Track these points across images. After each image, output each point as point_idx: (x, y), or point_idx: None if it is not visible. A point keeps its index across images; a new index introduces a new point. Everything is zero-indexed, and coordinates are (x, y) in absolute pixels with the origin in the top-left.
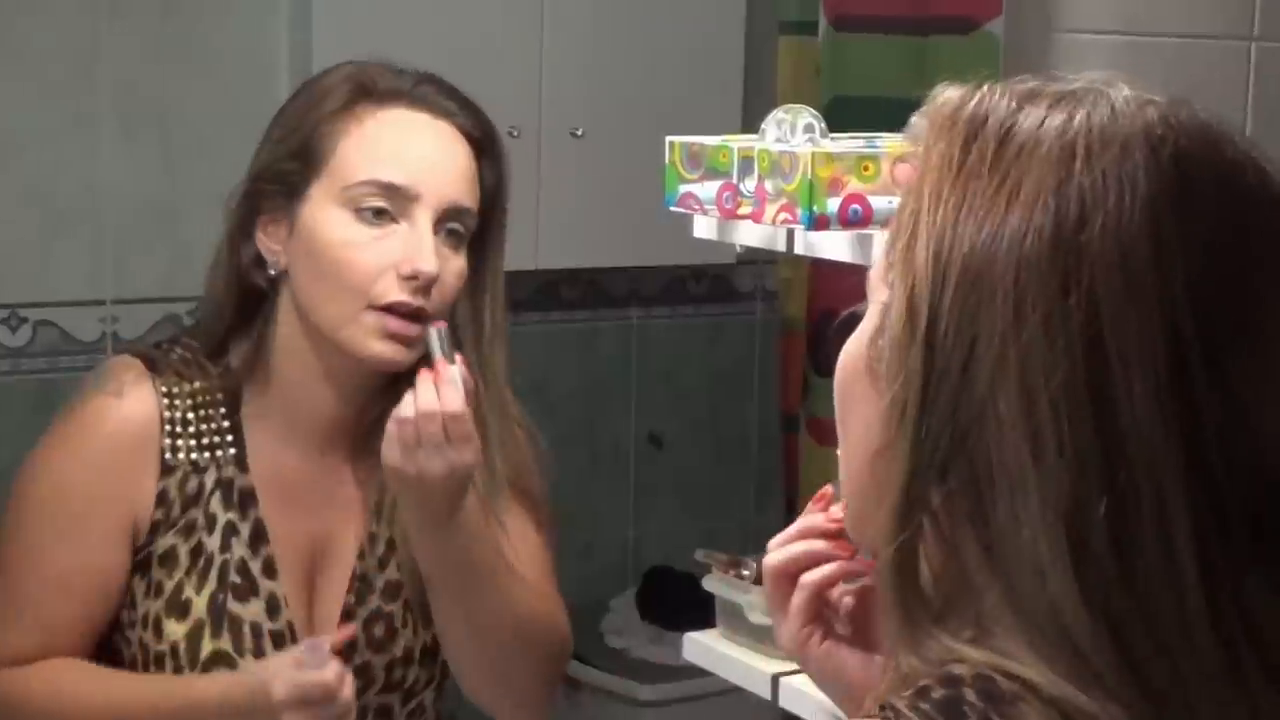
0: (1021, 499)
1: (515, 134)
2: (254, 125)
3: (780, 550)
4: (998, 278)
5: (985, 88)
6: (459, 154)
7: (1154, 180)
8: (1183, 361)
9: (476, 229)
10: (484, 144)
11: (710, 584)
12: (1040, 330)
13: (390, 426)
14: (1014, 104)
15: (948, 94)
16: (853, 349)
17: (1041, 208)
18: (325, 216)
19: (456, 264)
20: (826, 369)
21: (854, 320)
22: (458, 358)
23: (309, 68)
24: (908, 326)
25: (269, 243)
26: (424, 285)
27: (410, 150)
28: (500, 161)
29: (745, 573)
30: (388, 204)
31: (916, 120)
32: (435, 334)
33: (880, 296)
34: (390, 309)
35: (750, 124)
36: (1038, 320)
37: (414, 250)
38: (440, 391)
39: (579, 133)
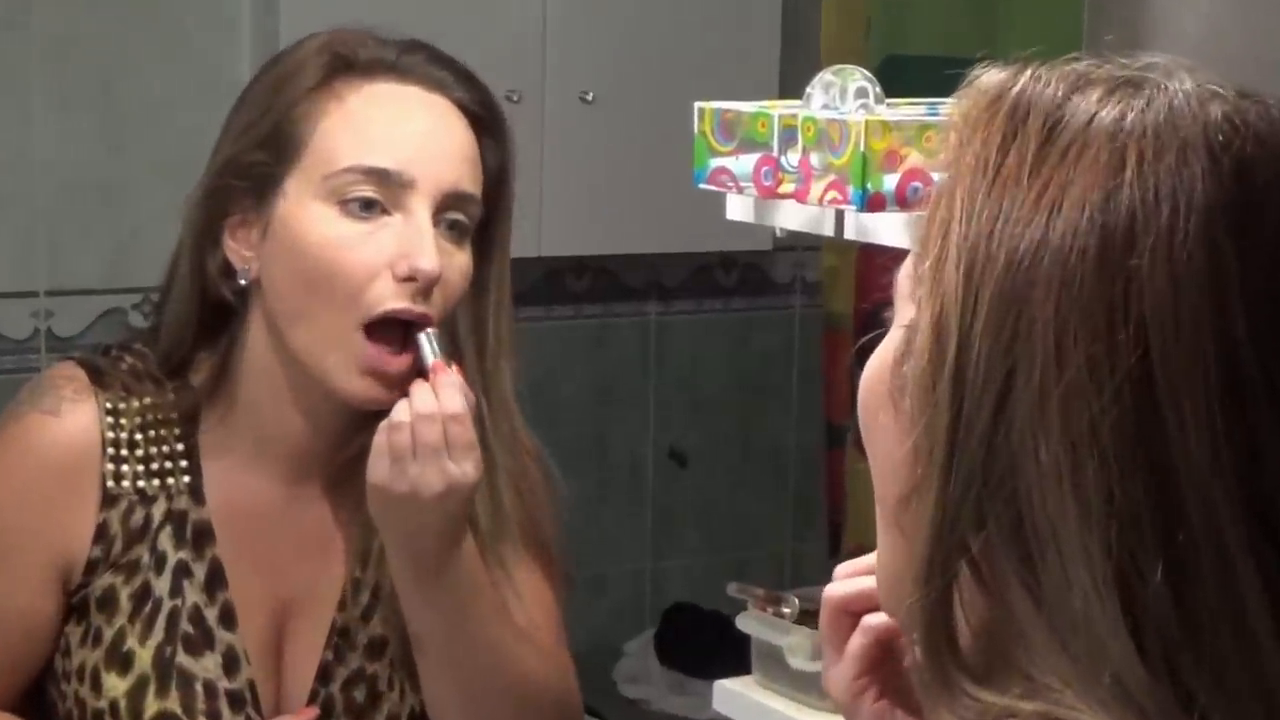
0: (1070, 557)
1: (515, 99)
2: (210, 91)
3: (847, 582)
4: (1037, 305)
5: (1030, 71)
6: (457, 132)
7: (1212, 193)
8: (1242, 406)
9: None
10: (485, 121)
11: (745, 623)
12: (1085, 369)
13: (379, 437)
14: (1060, 93)
15: (986, 78)
16: (874, 371)
17: (1087, 224)
18: (305, 213)
19: (460, 260)
20: None
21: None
22: (454, 366)
23: (275, 23)
24: (934, 355)
25: (239, 248)
26: (425, 287)
27: (401, 129)
28: (505, 141)
29: (785, 610)
30: (378, 194)
31: (951, 109)
32: (425, 339)
33: (906, 314)
34: (386, 320)
35: (789, 87)
36: (1082, 358)
37: (411, 245)
38: (439, 393)
39: (589, 97)
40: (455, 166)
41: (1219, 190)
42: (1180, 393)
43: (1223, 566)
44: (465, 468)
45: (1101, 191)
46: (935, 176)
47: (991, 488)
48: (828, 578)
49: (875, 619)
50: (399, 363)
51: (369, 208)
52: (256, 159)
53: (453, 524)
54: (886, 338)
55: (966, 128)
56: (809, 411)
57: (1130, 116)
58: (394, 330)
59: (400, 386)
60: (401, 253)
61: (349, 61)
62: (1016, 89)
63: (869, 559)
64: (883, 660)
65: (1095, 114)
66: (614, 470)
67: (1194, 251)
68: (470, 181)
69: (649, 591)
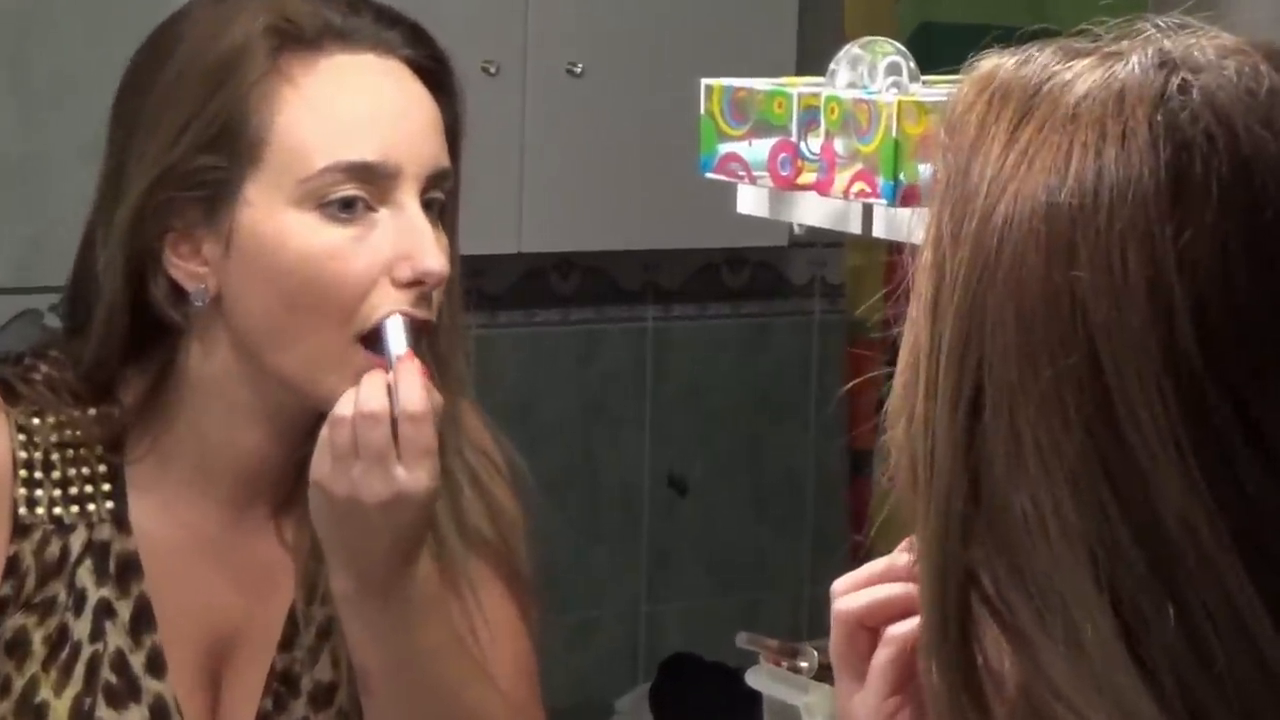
0: (1074, 603)
1: (492, 71)
2: None
3: (858, 594)
4: (993, 329)
5: (1025, 52)
6: (423, 101)
7: (1149, 188)
8: (1207, 425)
9: None
10: (437, 77)
11: (756, 679)
12: (1050, 398)
13: (323, 431)
14: (1041, 76)
15: (978, 67)
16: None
17: (1032, 231)
18: (280, 223)
19: (443, 244)
20: None
21: None
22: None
23: None
24: (907, 395)
25: (187, 265)
26: (430, 290)
27: (373, 112)
28: (457, 96)
29: (803, 664)
30: (360, 190)
31: (950, 101)
32: (395, 324)
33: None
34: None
35: (807, 62)
36: (1042, 387)
37: (410, 245)
38: (399, 387)
39: (578, 70)
40: (432, 142)
41: (1155, 184)
42: (1139, 417)
43: (1225, 598)
44: (418, 474)
45: (1046, 192)
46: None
47: (984, 535)
48: None
49: (899, 628)
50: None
51: (350, 207)
52: (204, 164)
53: (403, 539)
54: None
55: (946, 133)
56: (829, 433)
57: (1085, 101)
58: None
59: None
60: (400, 254)
61: (292, 34)
62: (997, 78)
63: (872, 566)
64: (913, 676)
65: (1058, 101)
66: (604, 499)
67: (1132, 260)
68: (444, 154)
69: (643, 640)
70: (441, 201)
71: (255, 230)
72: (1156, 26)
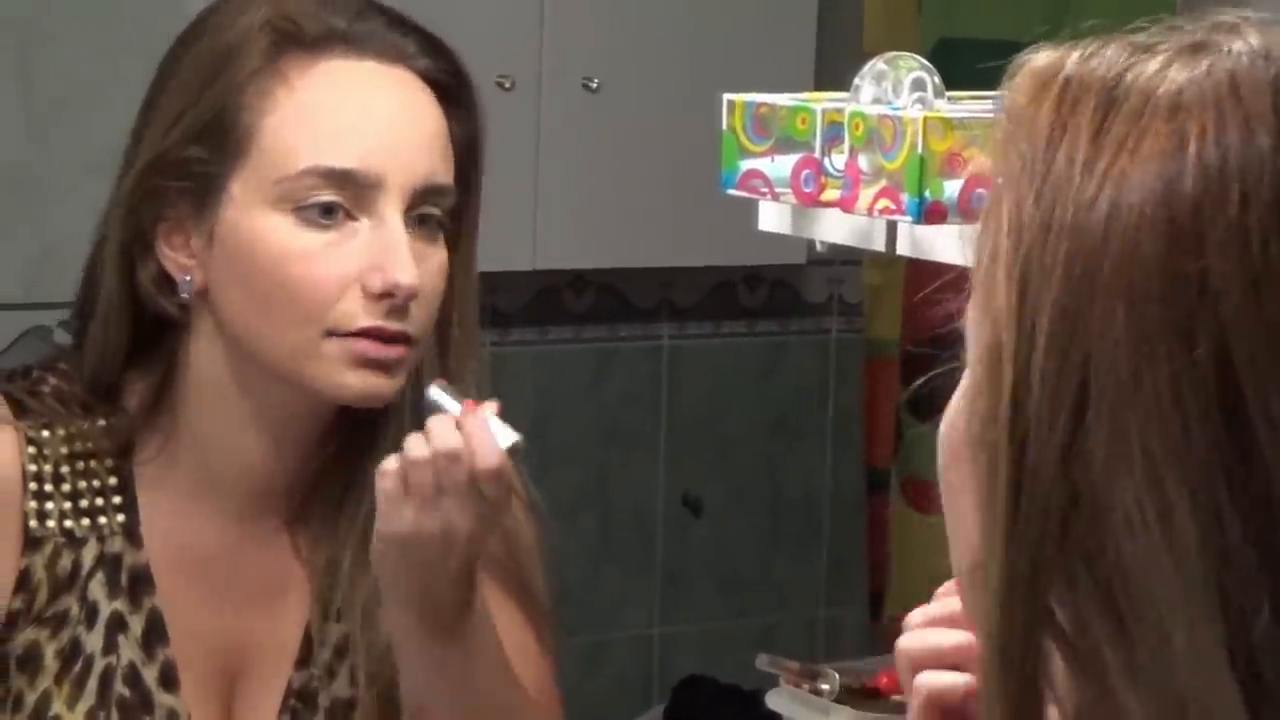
0: (1170, 620)
1: (507, 85)
2: (150, 70)
3: (917, 634)
4: (1102, 323)
5: (1081, 49)
6: (425, 112)
7: None
8: None
9: None
10: (452, 91)
11: (777, 701)
12: (1165, 393)
13: (387, 472)
14: (1114, 72)
15: (1032, 62)
16: (948, 420)
17: (1148, 221)
18: (256, 223)
19: (436, 261)
20: (929, 410)
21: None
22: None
23: None
24: (989, 393)
25: (176, 256)
26: (402, 304)
27: (362, 118)
28: (474, 112)
29: (824, 687)
30: (340, 197)
31: (997, 103)
32: (439, 394)
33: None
34: (359, 336)
35: (825, 76)
36: (1158, 379)
37: (383, 256)
38: (469, 440)
39: (593, 84)
40: (426, 156)
41: None
42: (1273, 409)
43: None
44: (500, 507)
45: (1161, 181)
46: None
47: (1071, 546)
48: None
49: (927, 678)
50: (394, 350)
51: (330, 213)
52: (193, 155)
53: (474, 563)
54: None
55: (1011, 124)
56: (846, 453)
57: (1189, 90)
58: (358, 338)
59: (397, 373)
60: (373, 265)
61: (294, 35)
62: (1065, 72)
63: (942, 606)
64: None
65: (1151, 92)
66: (618, 520)
67: (1270, 242)
68: (443, 170)
69: (657, 662)
70: (438, 217)
71: (235, 227)
72: (1239, 19)
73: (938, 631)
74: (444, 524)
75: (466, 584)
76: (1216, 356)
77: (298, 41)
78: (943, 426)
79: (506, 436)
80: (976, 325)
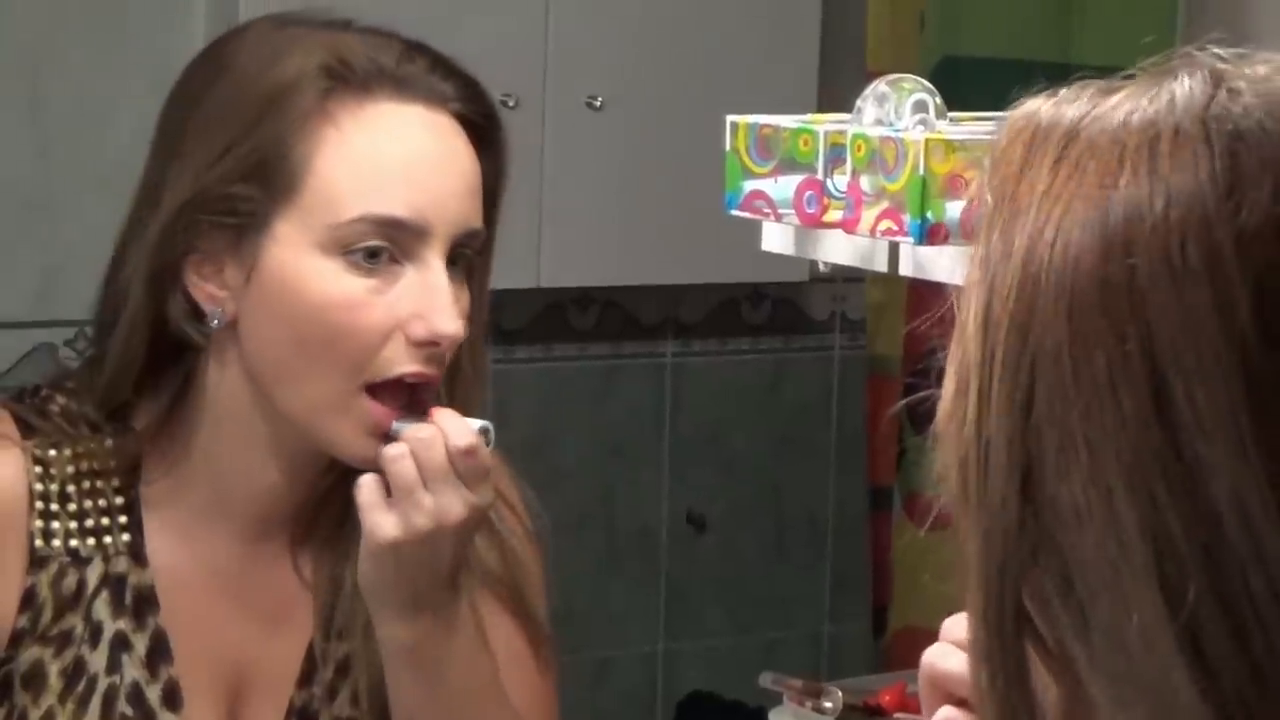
0: (1120, 608)
1: (511, 104)
2: (157, 90)
3: (940, 652)
4: (1047, 330)
5: (1064, 91)
6: (464, 159)
7: (1205, 180)
8: (1263, 404)
9: None
10: (484, 131)
11: (780, 719)
12: (1102, 387)
13: (363, 484)
14: (1081, 110)
15: (1018, 109)
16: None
17: (1085, 232)
18: (304, 266)
19: (463, 303)
20: (928, 426)
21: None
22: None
23: (234, 8)
24: (958, 412)
25: (206, 287)
26: (444, 351)
27: (411, 167)
28: (502, 151)
29: (827, 705)
30: (386, 241)
31: (993, 142)
32: (398, 424)
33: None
34: (395, 383)
35: (828, 95)
36: (1096, 377)
37: (428, 305)
38: (441, 426)
39: (597, 103)
40: (466, 203)
41: (1211, 176)
42: (1196, 398)
43: (1270, 584)
44: (481, 494)
45: (1099, 201)
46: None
47: (1033, 547)
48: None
49: (945, 713)
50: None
51: (374, 256)
52: (239, 192)
53: (460, 562)
54: None
55: (990, 164)
56: (849, 470)
57: (1135, 115)
58: (399, 390)
59: None
60: (416, 313)
61: (343, 75)
62: (1038, 116)
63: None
64: None
65: (1103, 124)
66: (622, 537)
67: (1189, 244)
68: (477, 214)
69: (661, 678)
70: (468, 257)
71: (279, 268)
72: (1204, 53)
73: (951, 655)
74: (432, 516)
75: (452, 589)
76: (1143, 349)
77: (346, 82)
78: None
79: (476, 422)
80: (952, 349)
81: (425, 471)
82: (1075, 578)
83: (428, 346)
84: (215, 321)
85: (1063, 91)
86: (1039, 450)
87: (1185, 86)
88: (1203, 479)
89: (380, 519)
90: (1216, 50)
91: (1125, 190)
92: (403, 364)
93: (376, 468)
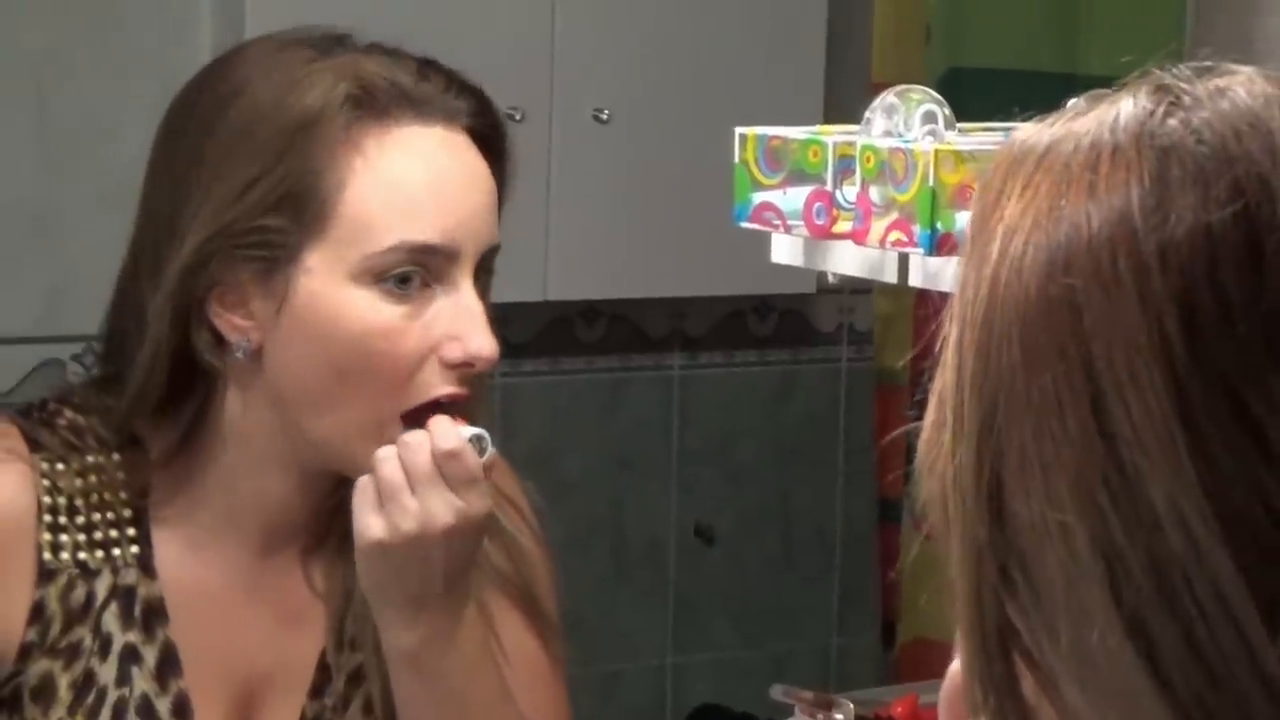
0: (1081, 619)
1: (518, 117)
2: (163, 105)
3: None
4: (1000, 352)
5: (1052, 118)
6: (483, 176)
7: (1135, 196)
8: (1193, 415)
9: None
10: (492, 143)
11: None
12: (1049, 402)
13: (357, 496)
14: (1058, 132)
15: (1019, 131)
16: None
17: (1033, 252)
18: (340, 296)
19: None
20: None
21: None
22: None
23: (239, 23)
24: (935, 436)
25: (232, 318)
26: (479, 372)
27: (439, 191)
28: (509, 161)
29: (838, 717)
30: (418, 267)
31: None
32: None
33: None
34: (429, 406)
35: (834, 106)
36: (1042, 394)
37: (463, 327)
38: (430, 430)
39: (604, 116)
40: (488, 221)
41: (1140, 185)
42: (1131, 411)
43: (1216, 595)
44: (470, 499)
45: (1050, 216)
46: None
47: (1008, 569)
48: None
49: None
50: None
51: (406, 282)
52: (269, 224)
53: (460, 569)
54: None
55: (976, 191)
56: (857, 481)
57: (1087, 137)
58: (428, 412)
59: None
60: (451, 335)
61: (366, 102)
62: (1022, 143)
63: None
64: None
65: (1065, 144)
66: (630, 549)
67: (1118, 258)
68: (496, 229)
69: (670, 691)
70: (491, 270)
71: (312, 299)
72: (1165, 70)
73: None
74: (418, 520)
75: (454, 595)
76: (1083, 365)
77: (369, 109)
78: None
79: (468, 429)
80: (935, 379)
81: (410, 474)
82: (1042, 594)
83: (463, 368)
84: (240, 353)
85: (1059, 114)
86: (1003, 472)
87: (1130, 104)
88: (1142, 490)
89: (369, 520)
90: (1182, 66)
91: (1067, 210)
92: (438, 386)
93: None
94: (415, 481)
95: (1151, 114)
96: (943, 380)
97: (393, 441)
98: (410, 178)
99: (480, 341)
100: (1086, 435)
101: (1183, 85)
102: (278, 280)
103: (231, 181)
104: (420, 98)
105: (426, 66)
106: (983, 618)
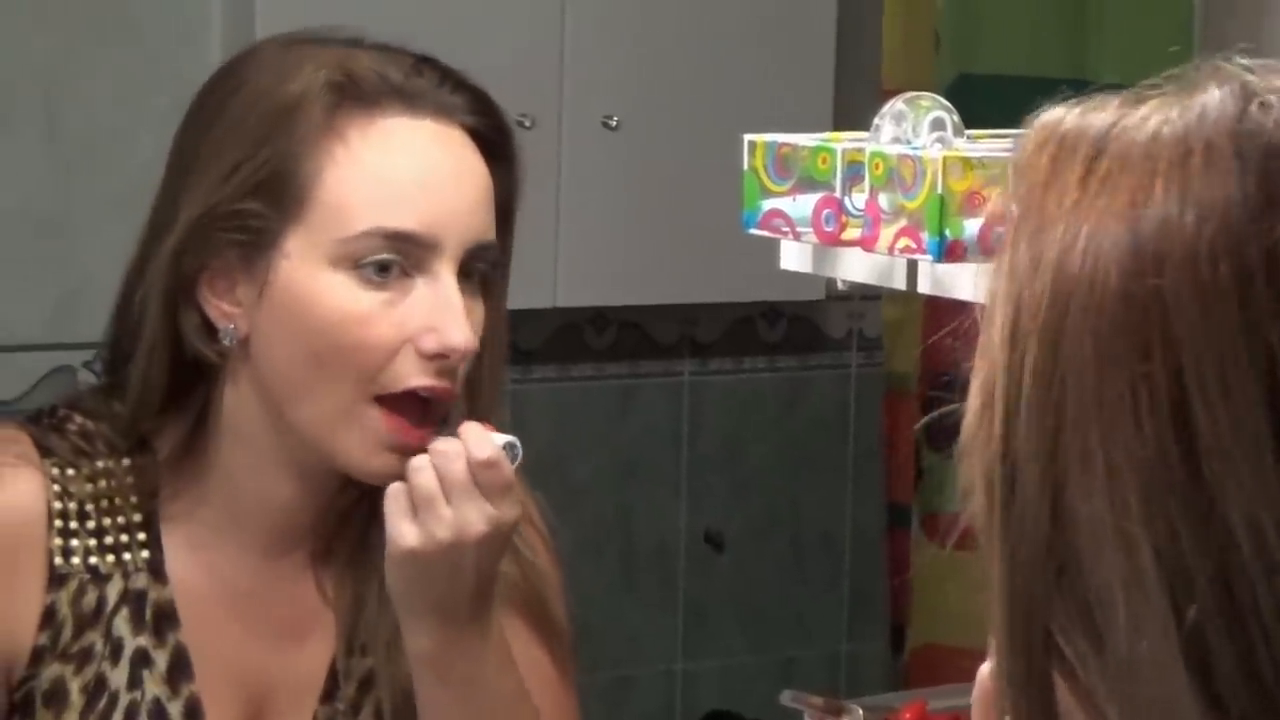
0: (1131, 630)
1: (528, 124)
2: (175, 112)
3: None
4: (1074, 345)
5: (1089, 101)
6: (476, 172)
7: (1236, 196)
8: None
9: None
10: (497, 146)
11: None
12: (1125, 404)
13: (391, 494)
14: (1110, 119)
15: (1042, 117)
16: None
17: (1115, 249)
18: (315, 281)
19: (477, 315)
20: (949, 444)
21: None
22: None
23: (250, 30)
24: (984, 426)
25: (220, 304)
26: (456, 364)
27: (422, 180)
28: (515, 167)
29: None
30: (397, 255)
31: (1014, 150)
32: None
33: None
34: (407, 396)
35: (843, 113)
36: (1118, 394)
37: (440, 318)
38: (464, 438)
39: (614, 122)
40: (478, 216)
41: (1244, 194)
42: (1218, 420)
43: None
44: (504, 508)
45: (1129, 217)
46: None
47: (1056, 568)
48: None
49: None
50: (421, 435)
51: (385, 270)
52: (249, 208)
53: (489, 577)
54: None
55: (1016, 174)
56: (867, 487)
57: (1165, 129)
58: (412, 403)
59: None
60: (428, 326)
61: (352, 91)
62: (1064, 125)
63: None
64: None
65: (1132, 137)
66: (640, 556)
67: (1220, 262)
68: (490, 227)
69: (679, 697)
70: (483, 271)
71: (289, 284)
72: (1231, 64)
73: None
74: (453, 529)
75: (481, 602)
76: (1167, 369)
77: (355, 98)
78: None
79: (501, 437)
80: (977, 362)
81: (445, 483)
82: (1092, 601)
83: (438, 359)
84: (228, 339)
85: (1087, 101)
86: (1065, 469)
87: (1215, 99)
88: (1220, 503)
89: (403, 528)
90: (1242, 61)
91: (1156, 207)
92: (414, 377)
93: (378, 480)
94: (450, 490)
95: (1244, 111)
96: (989, 364)
97: (370, 429)
98: (391, 165)
99: (455, 333)
100: (1163, 443)
101: (1261, 82)
102: (259, 265)
103: (219, 167)
104: (412, 91)
105: (423, 63)
106: (1023, 616)
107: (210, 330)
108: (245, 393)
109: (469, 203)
